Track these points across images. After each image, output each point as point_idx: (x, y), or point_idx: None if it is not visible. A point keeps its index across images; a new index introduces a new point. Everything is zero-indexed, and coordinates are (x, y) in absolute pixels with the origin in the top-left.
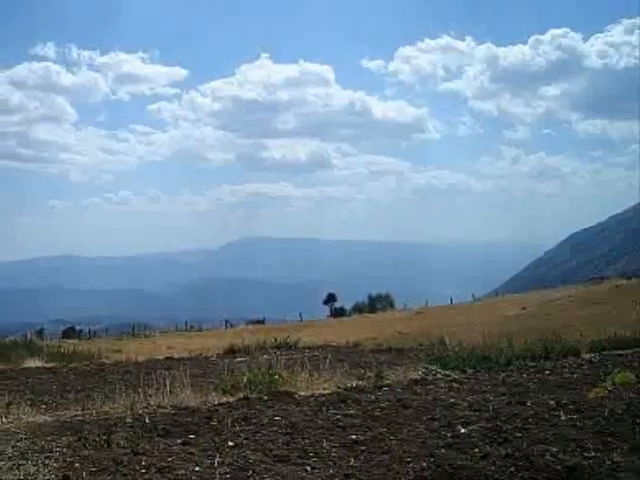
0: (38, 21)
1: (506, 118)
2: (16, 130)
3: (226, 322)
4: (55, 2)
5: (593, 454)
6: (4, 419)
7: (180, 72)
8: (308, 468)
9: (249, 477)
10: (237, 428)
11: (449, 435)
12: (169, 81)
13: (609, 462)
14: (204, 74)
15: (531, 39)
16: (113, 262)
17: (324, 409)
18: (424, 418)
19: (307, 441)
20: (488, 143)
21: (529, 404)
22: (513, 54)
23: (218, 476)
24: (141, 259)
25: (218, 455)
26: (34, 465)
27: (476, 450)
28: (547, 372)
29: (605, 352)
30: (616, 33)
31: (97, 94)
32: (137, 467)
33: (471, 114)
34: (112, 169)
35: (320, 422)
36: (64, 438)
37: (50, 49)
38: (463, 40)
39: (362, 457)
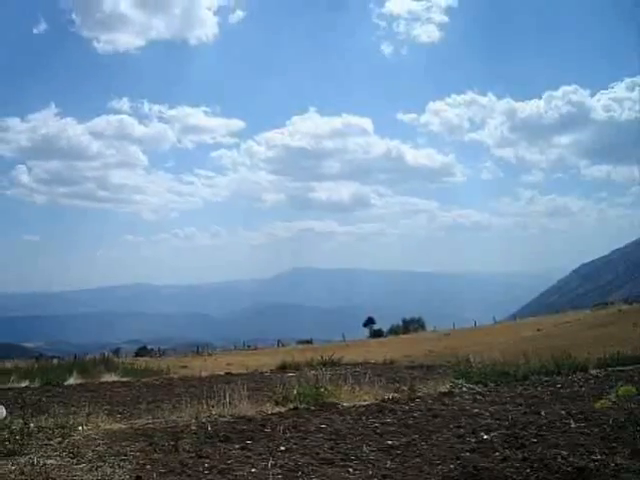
0: (115, 79)
1: (523, 164)
2: (95, 175)
3: (278, 342)
4: (129, 63)
5: (599, 457)
6: (85, 426)
7: (238, 124)
8: (350, 470)
9: (299, 477)
10: (288, 435)
11: (473, 441)
12: (228, 131)
13: (613, 464)
14: (259, 125)
15: (545, 95)
16: (179, 290)
17: (364, 418)
18: (451, 426)
19: (349, 446)
20: (507, 185)
21: (543, 414)
22: (529, 107)
23: (272, 477)
24: (203, 287)
25: (271, 458)
26: (110, 467)
27: (497, 454)
28: (559, 386)
29: (610, 368)
30: (619, 90)
31: (166, 143)
32: (201, 469)
33: (492, 160)
34: (179, 208)
35: (360, 429)
36: (137, 443)
37: (125, 104)
38: (485, 95)
39: (397, 460)
